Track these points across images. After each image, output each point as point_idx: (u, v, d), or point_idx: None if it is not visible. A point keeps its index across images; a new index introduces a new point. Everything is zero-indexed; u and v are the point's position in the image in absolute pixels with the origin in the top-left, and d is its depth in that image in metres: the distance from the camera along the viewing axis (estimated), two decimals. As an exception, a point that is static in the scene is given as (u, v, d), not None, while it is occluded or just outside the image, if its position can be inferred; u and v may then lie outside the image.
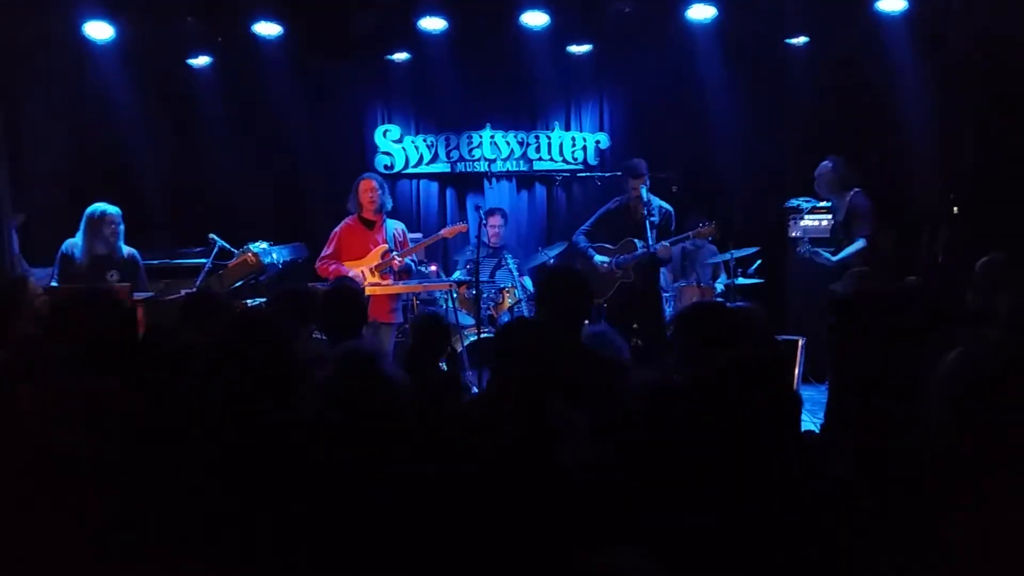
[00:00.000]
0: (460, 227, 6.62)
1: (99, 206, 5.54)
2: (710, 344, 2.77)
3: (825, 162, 6.03)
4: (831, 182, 5.96)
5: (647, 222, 5.94)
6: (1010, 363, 1.81)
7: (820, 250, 6.05)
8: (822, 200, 6.63)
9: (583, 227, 6.35)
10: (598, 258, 6.16)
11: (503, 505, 1.79)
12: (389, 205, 6.17)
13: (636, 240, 6.01)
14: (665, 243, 5.90)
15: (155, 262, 6.38)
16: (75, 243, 5.51)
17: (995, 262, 4.19)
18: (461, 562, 1.79)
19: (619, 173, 6.58)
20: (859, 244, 5.74)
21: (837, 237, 6.03)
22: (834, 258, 5.91)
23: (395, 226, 6.18)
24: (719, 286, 6.94)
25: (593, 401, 2.40)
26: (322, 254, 6.07)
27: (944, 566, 1.65)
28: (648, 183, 6.09)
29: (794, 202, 6.99)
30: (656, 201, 6.12)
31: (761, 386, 2.13)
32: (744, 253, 6.79)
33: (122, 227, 5.57)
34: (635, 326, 5.85)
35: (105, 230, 5.47)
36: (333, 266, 5.97)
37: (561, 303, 3.34)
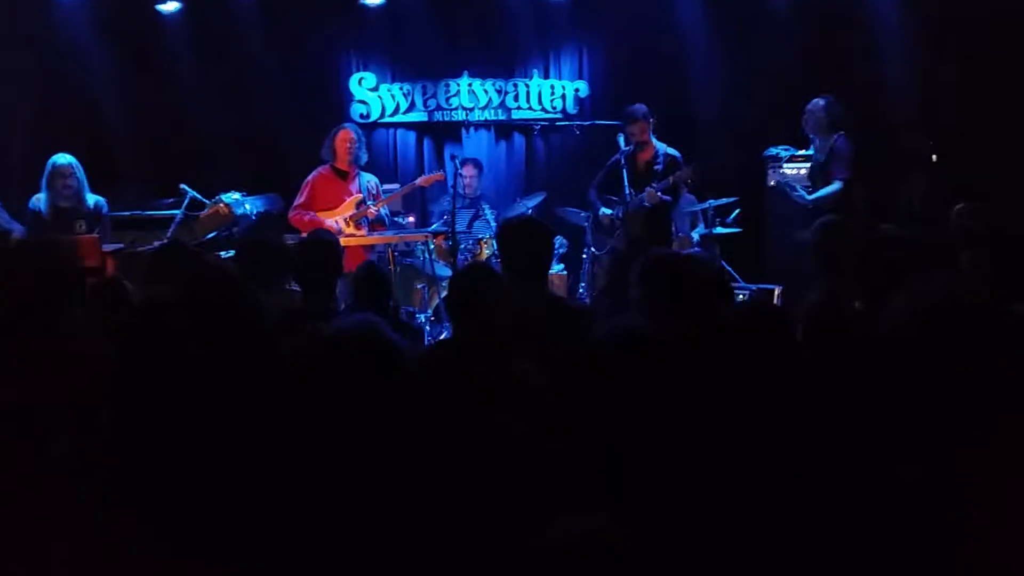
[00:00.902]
0: (437, 176, 6.55)
1: (52, 159, 5.47)
2: (671, 296, 2.76)
3: (817, 99, 5.94)
4: (820, 120, 5.89)
5: (650, 171, 5.81)
6: (959, 305, 1.80)
7: (796, 185, 6.02)
8: (801, 149, 6.59)
9: (595, 179, 6.16)
10: (603, 211, 6.03)
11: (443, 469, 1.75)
12: (364, 159, 6.09)
13: (627, 190, 5.83)
14: (651, 188, 5.71)
15: (126, 213, 6.28)
16: (40, 197, 5.43)
17: (969, 210, 4.19)
18: (400, 535, 1.77)
19: (600, 122, 6.50)
20: (835, 187, 5.71)
21: (815, 179, 6.00)
22: (808, 196, 5.88)
23: (368, 178, 6.12)
24: (695, 235, 6.92)
25: (558, 356, 2.35)
26: (294, 203, 5.99)
27: (906, 509, 1.66)
28: (652, 126, 5.90)
29: (773, 150, 6.94)
30: (661, 147, 5.94)
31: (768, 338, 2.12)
32: (723, 203, 6.77)
33: (80, 177, 5.48)
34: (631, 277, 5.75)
35: (57, 183, 5.40)
36: (308, 216, 5.90)
37: (521, 254, 3.29)
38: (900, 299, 1.88)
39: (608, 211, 6.00)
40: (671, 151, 5.95)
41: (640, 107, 5.90)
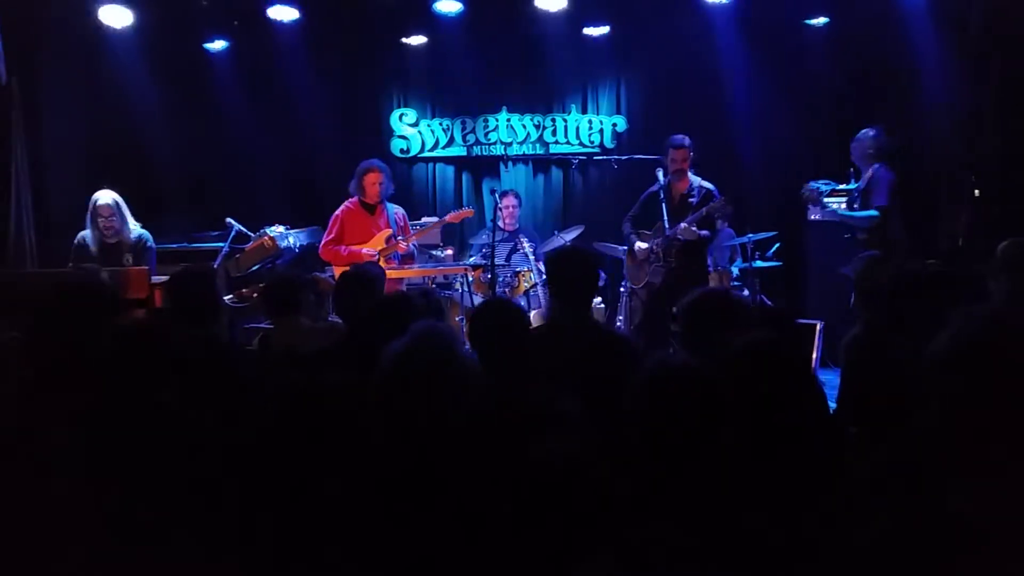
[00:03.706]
0: (466, 212, 6.56)
1: (95, 197, 5.49)
2: (714, 332, 2.76)
3: (867, 129, 5.96)
4: (865, 149, 5.90)
5: (685, 203, 5.83)
6: (1001, 337, 1.80)
7: (830, 201, 6.00)
8: (842, 183, 6.56)
9: (630, 212, 6.18)
10: (638, 244, 6.04)
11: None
12: (391, 191, 6.14)
13: (666, 223, 5.84)
14: (685, 223, 5.72)
15: (172, 246, 6.42)
16: (86, 233, 5.53)
17: (1016, 246, 4.12)
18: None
19: (637, 156, 6.52)
20: (871, 212, 5.70)
21: (852, 207, 5.98)
22: (841, 212, 5.85)
23: (395, 209, 6.16)
24: (735, 269, 6.89)
25: (596, 386, 2.37)
26: (325, 239, 6.03)
27: (950, 537, 1.65)
28: (691, 158, 5.90)
29: (813, 185, 6.91)
30: (696, 180, 5.96)
31: (785, 370, 2.12)
32: (762, 237, 6.74)
33: (121, 215, 5.48)
34: (674, 311, 5.72)
35: (100, 222, 5.43)
36: (346, 250, 5.94)
37: (570, 282, 3.34)
38: (942, 335, 1.88)
39: (644, 245, 6.01)
40: (706, 184, 5.97)
41: (685, 137, 5.95)
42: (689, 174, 5.96)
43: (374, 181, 5.96)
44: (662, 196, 5.89)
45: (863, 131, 5.97)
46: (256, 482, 1.95)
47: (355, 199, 6.05)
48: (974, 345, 1.81)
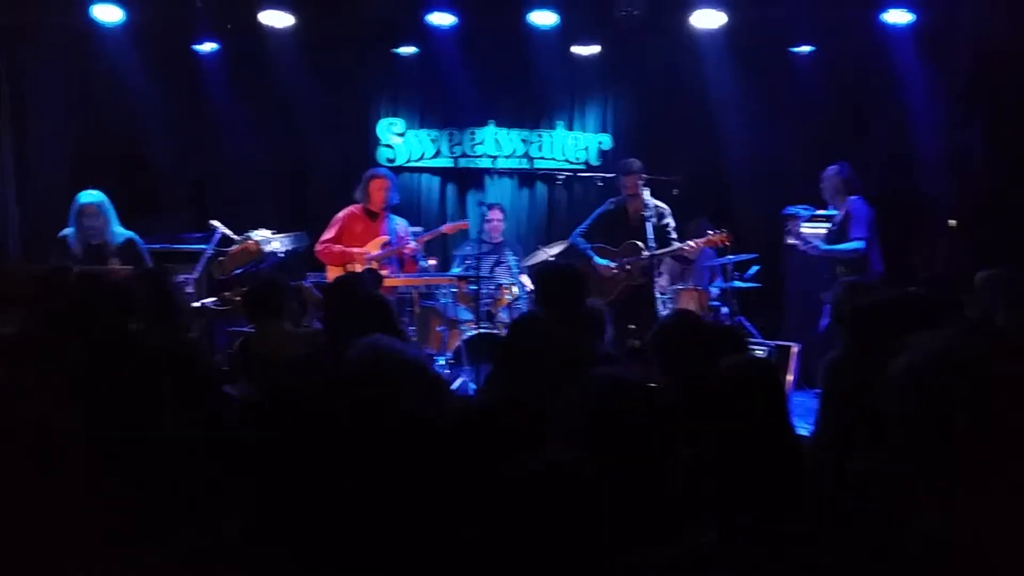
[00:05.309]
0: (461, 224, 6.66)
1: (78, 196, 5.48)
2: (687, 354, 2.83)
3: (831, 166, 6.09)
4: (836, 186, 6.03)
5: (647, 223, 5.99)
6: (959, 362, 1.86)
7: (809, 229, 6.11)
8: (820, 209, 6.66)
9: (580, 228, 6.37)
10: (599, 260, 6.18)
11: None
12: (396, 201, 6.22)
13: (639, 242, 6.02)
14: (690, 243, 5.98)
15: (156, 246, 6.38)
16: (69, 232, 5.50)
17: (995, 276, 4.22)
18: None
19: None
20: (852, 245, 5.80)
21: (832, 241, 6.08)
22: (822, 246, 5.96)
23: (398, 221, 6.23)
24: (714, 289, 6.98)
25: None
26: (322, 238, 6.10)
27: (921, 559, 1.70)
28: (644, 181, 6.10)
29: (792, 209, 7.00)
30: (651, 201, 6.14)
31: (753, 392, 2.17)
32: (742, 259, 6.83)
33: (105, 215, 5.47)
34: (632, 327, 5.87)
35: (84, 221, 5.42)
36: (338, 248, 6.01)
37: (559, 297, 3.40)
38: (901, 358, 1.95)
39: (607, 262, 6.14)
40: (660, 204, 6.19)
41: (635, 161, 6.17)
42: (644, 195, 6.11)
43: (379, 187, 6.03)
44: (636, 216, 6.07)
45: (828, 168, 6.10)
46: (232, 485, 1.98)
47: (359, 205, 6.10)
48: (930, 368, 1.88)
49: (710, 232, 5.99)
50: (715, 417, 2.09)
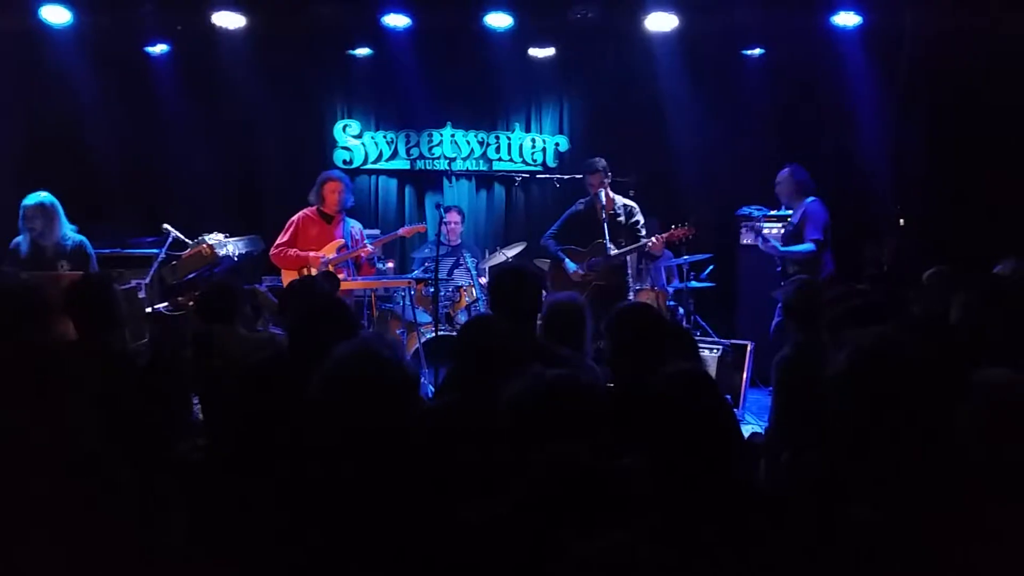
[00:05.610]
0: (419, 227, 6.66)
1: (25, 200, 5.41)
2: (633, 347, 2.85)
3: (785, 169, 6.17)
4: (790, 187, 6.11)
5: (614, 222, 6.02)
6: (895, 357, 1.91)
7: (770, 237, 6.19)
8: (773, 209, 6.76)
9: (550, 230, 6.39)
10: (569, 263, 6.21)
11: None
12: (351, 203, 6.19)
13: (606, 242, 6.03)
14: (652, 239, 5.98)
15: (107, 251, 6.27)
16: (21, 237, 5.42)
17: (941, 274, 4.31)
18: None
19: (579, 176, 6.65)
20: (807, 247, 5.89)
21: (788, 241, 6.17)
22: (781, 247, 6.05)
23: (353, 224, 6.20)
24: (671, 289, 7.05)
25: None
26: (277, 241, 6.05)
27: (851, 550, 1.74)
28: (608, 180, 6.16)
29: (746, 210, 7.11)
30: (619, 199, 6.21)
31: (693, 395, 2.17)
32: (698, 259, 6.91)
33: (48, 216, 5.38)
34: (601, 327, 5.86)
35: (28, 224, 5.35)
36: (293, 251, 5.97)
37: (515, 299, 3.40)
38: (839, 355, 2.00)
39: (573, 267, 6.19)
40: (629, 201, 6.26)
41: (600, 160, 6.20)
42: (611, 193, 6.18)
43: (334, 189, 6.00)
44: (601, 216, 6.06)
45: (781, 172, 6.19)
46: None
47: (313, 207, 6.06)
48: (865, 363, 1.93)
49: (673, 226, 6.02)
50: (649, 425, 2.06)
